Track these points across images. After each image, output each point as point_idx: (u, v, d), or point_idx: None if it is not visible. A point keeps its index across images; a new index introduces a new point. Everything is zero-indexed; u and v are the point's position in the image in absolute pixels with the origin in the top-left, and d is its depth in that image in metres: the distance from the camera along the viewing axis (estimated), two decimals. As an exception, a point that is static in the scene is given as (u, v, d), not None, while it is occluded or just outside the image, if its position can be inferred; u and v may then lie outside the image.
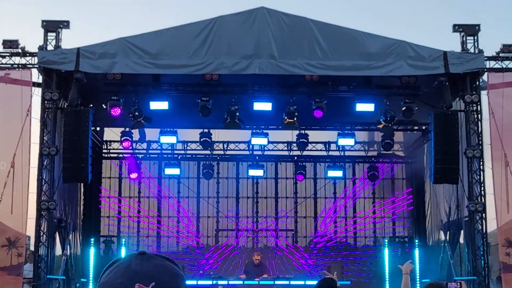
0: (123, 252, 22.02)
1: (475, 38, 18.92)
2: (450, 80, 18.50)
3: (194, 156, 25.22)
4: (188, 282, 18.03)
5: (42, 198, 18.10)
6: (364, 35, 18.53)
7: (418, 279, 21.42)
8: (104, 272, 2.14)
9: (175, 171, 24.41)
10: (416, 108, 19.53)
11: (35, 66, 18.59)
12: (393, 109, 19.74)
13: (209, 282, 20.09)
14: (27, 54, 18.77)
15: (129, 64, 18.18)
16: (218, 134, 23.56)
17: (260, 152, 25.02)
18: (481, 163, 18.72)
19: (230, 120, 19.89)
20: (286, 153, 25.35)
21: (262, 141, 22.73)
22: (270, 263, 23.91)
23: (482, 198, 18.59)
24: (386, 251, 22.61)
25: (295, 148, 24.36)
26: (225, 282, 20.35)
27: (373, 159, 25.32)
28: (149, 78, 19.16)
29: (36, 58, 18.53)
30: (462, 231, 20.06)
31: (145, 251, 2.17)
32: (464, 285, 7.80)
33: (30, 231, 18.61)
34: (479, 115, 18.82)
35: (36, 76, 18.71)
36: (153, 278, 2.03)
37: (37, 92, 18.70)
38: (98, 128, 23.93)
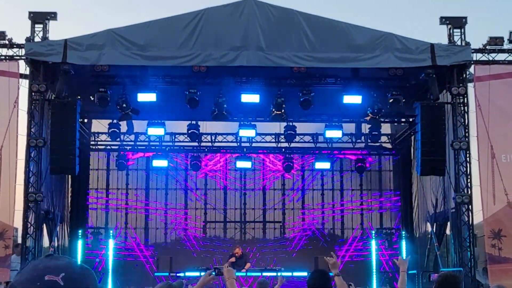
0: (110, 244, 22.03)
1: (462, 30, 18.99)
2: (437, 72, 18.57)
3: (182, 148, 25.22)
4: (176, 274, 17.94)
5: (30, 190, 18.06)
6: (352, 27, 18.55)
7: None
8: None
9: (163, 163, 24.39)
10: (403, 100, 19.59)
11: (22, 57, 18.54)
12: (380, 101, 19.80)
13: (197, 274, 20.10)
14: (14, 46, 18.73)
15: (116, 55, 18.15)
16: (206, 126, 23.57)
17: (248, 144, 25.05)
18: (468, 155, 18.80)
19: (217, 112, 19.92)
20: (274, 145, 25.37)
21: (250, 133, 22.75)
22: (257, 255, 24.01)
23: (469, 190, 18.68)
24: (373, 243, 22.71)
25: (283, 140, 24.39)
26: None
27: (360, 151, 25.37)
28: (137, 69, 19.14)
29: (23, 49, 18.47)
30: (448, 223, 20.16)
31: (52, 253, 2.30)
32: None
33: (18, 223, 18.57)
34: (466, 107, 18.90)
35: (23, 67, 18.67)
36: (63, 270, 2.15)
37: (24, 84, 18.65)
38: (85, 120, 23.88)
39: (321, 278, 6.61)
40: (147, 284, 21.02)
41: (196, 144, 24.67)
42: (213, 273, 6.40)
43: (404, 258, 8.30)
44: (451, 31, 19.01)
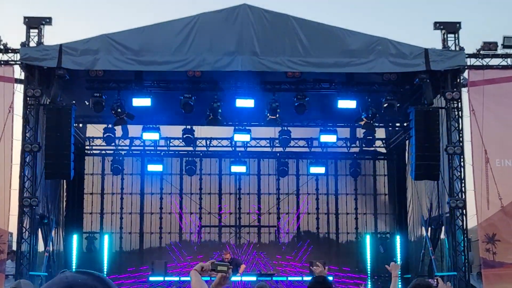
0: (105, 249, 22.06)
1: (456, 35, 19.06)
2: (431, 77, 18.63)
3: (176, 152, 25.24)
4: (171, 279, 17.98)
5: (25, 195, 18.06)
6: (346, 32, 18.60)
7: (399, 275, 21.56)
8: None
9: (158, 167, 24.40)
10: (398, 105, 19.63)
11: (18, 62, 18.55)
12: (375, 105, 19.85)
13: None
14: (9, 51, 18.74)
15: (111, 60, 18.17)
16: (201, 131, 23.59)
17: (242, 149, 25.08)
18: (462, 160, 18.86)
19: (212, 117, 19.94)
20: (268, 149, 25.41)
21: (245, 137, 22.76)
22: (253, 259, 24.03)
23: (463, 194, 18.73)
24: (368, 247, 22.76)
25: (277, 145, 24.42)
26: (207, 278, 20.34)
27: (355, 155, 25.41)
28: (132, 74, 19.18)
29: (18, 54, 18.48)
30: (443, 227, 20.21)
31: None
32: (440, 282, 7.83)
33: (13, 227, 18.57)
34: (460, 112, 18.96)
35: (18, 72, 18.70)
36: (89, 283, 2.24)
37: (19, 89, 18.67)
38: (80, 125, 23.89)
39: (323, 284, 6.68)
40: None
41: (191, 148, 24.69)
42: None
43: (397, 263, 8.32)
44: (445, 36, 19.07)
